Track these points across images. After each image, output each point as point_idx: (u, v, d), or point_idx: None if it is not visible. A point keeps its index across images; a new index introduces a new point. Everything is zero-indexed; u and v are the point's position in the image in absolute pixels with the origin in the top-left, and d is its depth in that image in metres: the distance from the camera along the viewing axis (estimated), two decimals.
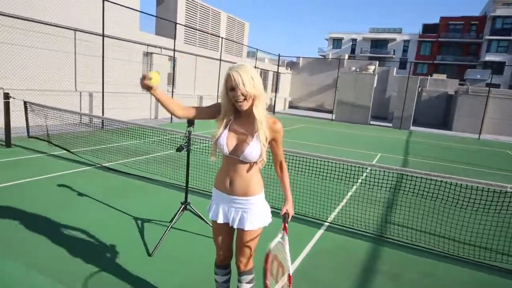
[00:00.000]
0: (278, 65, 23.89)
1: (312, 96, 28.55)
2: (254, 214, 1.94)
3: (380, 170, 4.13)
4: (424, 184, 3.96)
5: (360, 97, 20.40)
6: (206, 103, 16.03)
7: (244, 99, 1.79)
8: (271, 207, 2.11)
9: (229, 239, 2.09)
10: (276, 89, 24.11)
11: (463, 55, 41.14)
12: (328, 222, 4.31)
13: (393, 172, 3.88)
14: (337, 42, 47.88)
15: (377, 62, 24.82)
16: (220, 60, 16.20)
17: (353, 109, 20.58)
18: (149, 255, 3.19)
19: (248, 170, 1.89)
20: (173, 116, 13.13)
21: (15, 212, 3.86)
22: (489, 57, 37.79)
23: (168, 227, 3.42)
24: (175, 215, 3.48)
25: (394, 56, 43.76)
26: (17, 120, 7.52)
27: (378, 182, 4.23)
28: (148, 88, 1.79)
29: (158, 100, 1.86)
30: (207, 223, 3.54)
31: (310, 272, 3.11)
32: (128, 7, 10.71)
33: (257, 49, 20.41)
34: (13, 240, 3.22)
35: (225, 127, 1.90)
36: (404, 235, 3.99)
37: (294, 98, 28.97)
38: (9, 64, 8.63)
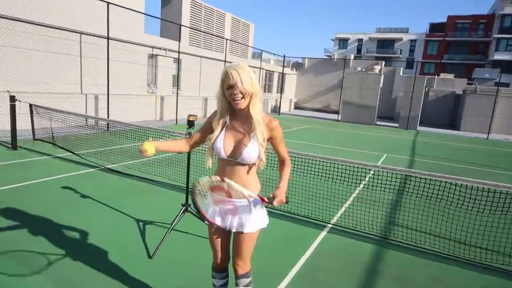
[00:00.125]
0: (283, 66, 23.84)
1: (317, 97, 28.44)
2: (253, 216, 1.91)
3: (383, 171, 4.08)
4: (428, 185, 3.89)
5: (366, 97, 20.25)
6: (211, 104, 16.05)
7: (242, 98, 1.77)
8: (266, 208, 2.06)
9: (226, 243, 2.06)
10: (281, 90, 24.05)
11: (471, 54, 40.63)
12: (331, 224, 4.26)
13: (396, 173, 3.81)
14: (343, 43, 47.67)
15: (383, 62, 24.64)
16: (225, 61, 16.22)
17: (359, 110, 20.44)
18: (150, 257, 3.17)
19: (245, 172, 1.86)
20: (178, 118, 13.20)
21: (20, 213, 3.88)
22: (498, 56, 37.28)
23: (169, 229, 3.40)
24: (176, 217, 3.47)
25: (400, 56, 43.41)
26: (23, 123, 7.60)
27: (382, 183, 4.17)
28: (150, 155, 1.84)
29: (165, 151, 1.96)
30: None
31: (312, 274, 3.07)
32: (132, 10, 10.78)
33: (262, 50, 20.39)
34: (16, 242, 3.23)
35: (221, 130, 1.87)
36: (410, 237, 3.92)
37: (299, 99, 28.88)
38: (16, 67, 8.73)
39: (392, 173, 3.99)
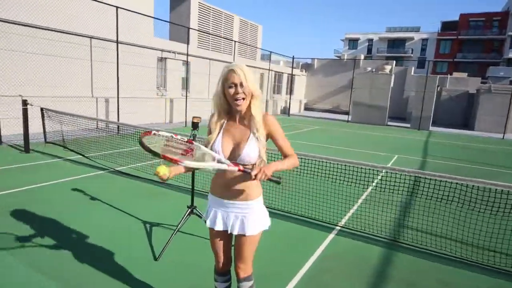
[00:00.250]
0: (292, 67, 23.76)
1: (327, 98, 28.24)
2: (254, 218, 1.89)
3: (393, 172, 4.00)
4: (438, 186, 3.79)
5: (376, 97, 20.01)
6: None
7: (243, 98, 1.76)
8: (266, 207, 2.03)
9: (228, 246, 2.04)
10: (290, 91, 23.98)
11: (485, 53, 39.77)
12: (339, 226, 4.20)
13: (405, 174, 3.73)
14: (353, 43, 47.28)
15: (394, 62, 24.31)
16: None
17: (370, 110, 20.21)
18: (156, 259, 3.17)
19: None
20: (187, 120, 13.27)
21: (30, 214, 3.94)
22: None
23: (174, 231, 3.40)
24: (181, 219, 3.47)
25: (412, 55, 42.81)
26: (36, 126, 7.74)
27: (392, 185, 4.09)
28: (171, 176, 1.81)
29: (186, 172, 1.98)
30: None
31: (319, 277, 3.02)
32: (141, 14, 10.90)
33: (270, 52, 20.37)
34: (25, 242, 3.27)
35: (219, 132, 1.85)
36: (420, 240, 3.83)
37: (309, 100, 28.74)
38: (29, 72, 8.92)
39: (401, 174, 3.90)
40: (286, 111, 23.56)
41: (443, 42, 41.97)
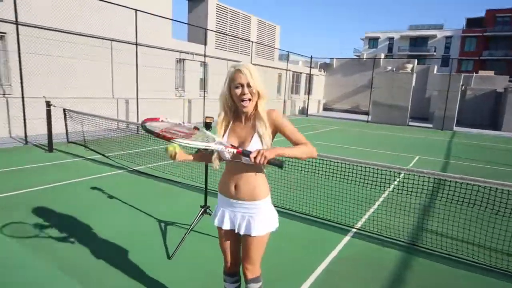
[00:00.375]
0: (311, 67, 23.56)
1: (347, 98, 27.83)
2: (261, 219, 1.86)
3: (412, 174, 3.87)
4: (459, 188, 3.64)
5: (397, 97, 19.54)
6: None
7: (249, 99, 1.75)
8: (274, 206, 2.00)
9: (236, 246, 2.02)
10: (309, 92, 23.77)
11: None
12: (355, 228, 4.11)
13: (424, 176, 3.60)
14: (373, 42, 46.40)
15: (416, 60, 23.66)
16: (251, 64, 16.29)
17: (390, 110, 19.75)
18: (169, 258, 3.20)
19: (253, 173, 1.82)
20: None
21: (51, 212, 4.07)
22: None
23: (188, 230, 3.43)
24: (195, 219, 3.49)
25: (435, 53, 41.56)
26: (59, 126, 8.01)
27: (412, 187, 3.95)
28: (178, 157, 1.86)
29: (195, 161, 2.02)
30: None
31: (331, 281, 2.96)
32: (160, 16, 11.08)
33: (288, 52, 20.27)
34: (45, 238, 3.38)
35: (225, 132, 1.86)
36: (439, 244, 3.69)
37: (328, 100, 28.41)
38: (52, 74, 9.23)
39: (419, 176, 3.78)
40: (304, 111, 23.39)
41: (468, 39, 40.53)
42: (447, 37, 41.71)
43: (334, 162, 4.44)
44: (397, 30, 45.18)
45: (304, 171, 4.67)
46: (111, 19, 10.46)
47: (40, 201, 4.40)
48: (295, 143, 1.80)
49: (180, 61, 13.81)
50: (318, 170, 4.52)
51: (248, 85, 1.73)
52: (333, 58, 28.18)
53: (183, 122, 1.88)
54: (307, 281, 2.93)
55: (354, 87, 27.21)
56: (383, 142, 12.57)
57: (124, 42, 10.84)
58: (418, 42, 43.35)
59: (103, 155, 7.04)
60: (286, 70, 20.77)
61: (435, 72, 24.53)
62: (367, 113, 21.50)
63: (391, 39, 45.20)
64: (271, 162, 1.61)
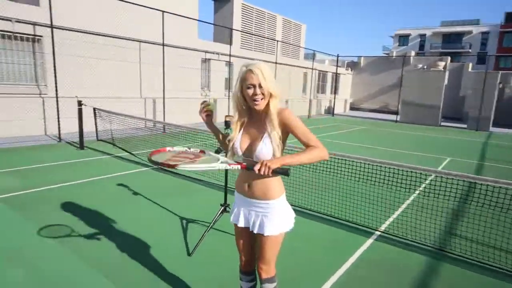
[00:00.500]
0: (337, 66, 23.15)
1: (375, 97, 27.12)
2: (274, 218, 1.84)
3: (442, 176, 3.69)
4: (491, 192, 3.43)
5: (428, 96, 18.79)
6: None
7: (262, 98, 1.73)
8: (295, 205, 1.97)
9: (251, 244, 2.01)
10: (335, 91, 23.37)
11: None
12: (379, 231, 3.98)
13: (453, 178, 3.43)
14: (403, 39, 44.94)
15: (449, 58, 22.67)
16: (276, 63, 16.23)
17: (421, 110, 19.03)
18: (189, 254, 3.24)
19: None
20: None
21: (78, 207, 4.24)
22: None
23: (207, 228, 3.45)
24: (214, 217, 3.51)
25: (470, 50, 39.63)
26: (90, 125, 8.34)
27: (441, 190, 3.76)
28: (206, 116, 1.94)
29: (213, 132, 2.08)
30: None
31: (352, 284, 2.88)
32: (186, 17, 11.27)
33: (314, 51, 20.03)
34: (72, 232, 3.52)
35: (239, 131, 1.86)
36: (469, 250, 3.50)
37: (355, 100, 27.82)
38: (84, 75, 9.63)
39: (448, 178, 3.59)
40: (330, 111, 23.02)
41: (508, 34, 38.27)
42: (484, 33, 39.64)
43: (357, 162, 4.32)
44: (429, 27, 43.50)
45: (326, 171, 4.59)
46: (139, 21, 10.76)
47: (69, 196, 4.59)
48: (305, 145, 1.76)
49: (206, 61, 13.99)
50: (341, 170, 4.42)
51: (260, 86, 1.71)
52: (360, 56, 27.55)
53: (189, 148, 1.94)
54: (326, 283, 2.87)
55: (383, 86, 26.46)
56: (413, 142, 12.13)
57: (151, 43, 11.12)
58: (451, 39, 41.49)
59: (130, 153, 7.26)
60: (312, 69, 20.53)
61: (470, 69, 23.38)
62: (396, 113, 20.83)
63: (422, 36, 43.58)
64: (276, 171, 1.61)
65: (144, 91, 11.47)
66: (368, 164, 4.10)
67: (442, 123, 19.34)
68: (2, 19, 7.98)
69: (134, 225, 3.80)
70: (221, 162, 1.71)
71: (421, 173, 3.75)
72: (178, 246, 3.40)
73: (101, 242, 3.38)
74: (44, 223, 3.72)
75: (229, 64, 14.24)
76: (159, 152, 1.85)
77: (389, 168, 4.04)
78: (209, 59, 14.00)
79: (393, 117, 21.13)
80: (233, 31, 15.14)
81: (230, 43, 13.17)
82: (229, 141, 1.87)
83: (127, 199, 4.68)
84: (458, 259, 3.39)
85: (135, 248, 3.29)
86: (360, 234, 3.88)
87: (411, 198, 5.07)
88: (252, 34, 16.85)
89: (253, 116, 1.85)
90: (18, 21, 8.25)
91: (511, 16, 39.04)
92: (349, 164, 4.44)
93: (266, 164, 1.58)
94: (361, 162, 4.17)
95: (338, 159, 4.39)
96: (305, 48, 21.28)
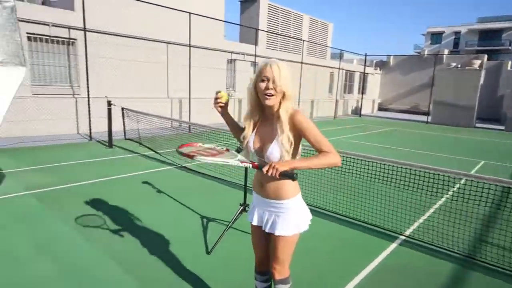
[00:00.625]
0: (365, 65, 22.61)
1: (405, 97, 26.23)
2: (287, 219, 1.82)
3: (472, 180, 3.50)
4: None
5: (462, 96, 17.93)
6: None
7: (273, 95, 1.70)
8: (318, 207, 1.94)
9: (264, 243, 2.00)
10: (362, 91, 22.84)
11: None
12: (404, 235, 3.84)
13: (484, 182, 3.24)
14: (436, 37, 43.16)
15: (486, 56, 21.52)
16: (302, 63, 16.10)
17: (454, 110, 18.19)
18: (208, 253, 3.27)
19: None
20: None
21: (104, 203, 4.40)
22: None
23: (227, 227, 3.47)
24: (234, 216, 3.52)
25: (510, 47, 37.44)
26: (119, 124, 8.64)
27: (473, 194, 3.56)
28: (221, 108, 1.92)
29: (226, 122, 2.03)
30: None
31: None
32: (213, 18, 11.41)
33: (341, 50, 19.68)
34: (97, 227, 3.65)
35: (252, 130, 1.85)
36: (501, 259, 3.30)
37: (384, 100, 27.04)
38: (114, 75, 9.99)
39: (479, 182, 3.40)
40: (357, 111, 22.53)
41: None
42: None
43: (380, 163, 4.19)
44: (464, 24, 41.53)
45: (350, 173, 4.48)
46: (167, 22, 11.01)
47: (97, 193, 4.77)
48: (318, 150, 1.71)
49: (231, 61, 14.10)
50: (365, 172, 4.30)
51: (274, 81, 1.69)
52: (390, 55, 26.74)
53: (217, 146, 1.95)
54: (346, 286, 2.80)
55: (413, 86, 25.56)
56: (444, 144, 11.62)
57: (178, 45, 11.35)
58: (489, 36, 39.35)
59: (155, 151, 7.45)
60: (339, 68, 20.18)
61: (509, 68, 22.10)
62: (427, 114, 20.04)
63: (457, 33, 41.66)
64: (283, 174, 1.60)
65: (171, 91, 11.72)
66: (392, 165, 3.96)
67: (477, 125, 18.40)
68: (40, 23, 8.43)
69: (156, 222, 3.88)
70: (237, 158, 1.74)
71: (448, 176, 3.57)
72: (198, 244, 3.44)
73: (124, 238, 3.48)
74: (71, 218, 3.89)
75: (254, 64, 14.27)
76: (190, 146, 1.90)
77: (415, 170, 3.88)
78: (235, 60, 14.10)
79: (423, 118, 20.35)
80: (259, 31, 15.17)
81: (256, 43, 13.21)
82: (243, 138, 1.86)
83: (151, 197, 4.80)
84: (488, 268, 3.21)
85: (156, 245, 3.37)
86: (384, 238, 3.76)
87: (440, 202, 4.85)
88: (278, 34, 16.80)
89: (266, 116, 1.84)
90: (55, 25, 8.69)
91: None
92: (373, 166, 4.31)
93: (274, 167, 1.57)
94: (384, 164, 4.04)
95: (361, 160, 4.27)
96: (332, 48, 20.95)
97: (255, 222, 1.94)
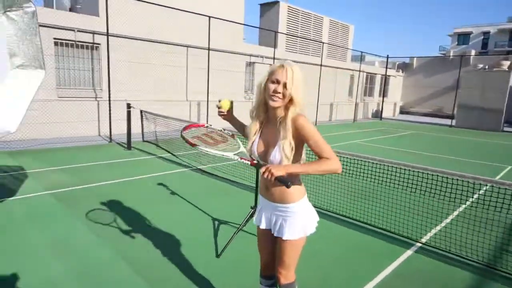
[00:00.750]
0: (387, 67, 22.14)
1: (428, 100, 25.48)
2: (294, 222, 1.79)
3: (493, 186, 3.34)
4: None
5: (489, 99, 17.21)
6: (307, 109, 15.90)
7: (280, 98, 1.68)
8: (332, 212, 1.92)
9: (271, 247, 1.97)
10: (383, 94, 22.35)
11: None
12: (420, 242, 3.71)
13: (506, 188, 3.08)
14: (463, 38, 41.73)
15: None
16: (321, 65, 15.96)
17: (480, 113, 17.49)
18: (217, 256, 3.27)
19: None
20: None
21: (120, 204, 4.50)
22: None
23: (237, 230, 3.46)
24: (244, 219, 3.51)
25: None
26: (138, 126, 8.84)
27: (491, 201, 3.39)
28: (223, 115, 2.01)
29: (234, 126, 2.11)
30: None
31: None
32: (232, 21, 11.51)
33: (362, 52, 19.36)
34: (110, 227, 3.74)
35: (257, 133, 1.85)
36: None
37: (406, 103, 26.37)
38: (134, 78, 10.24)
39: (500, 188, 3.24)
40: (378, 114, 22.07)
41: None
42: None
43: (396, 168, 4.08)
44: (493, 23, 39.95)
45: (365, 177, 4.38)
46: (186, 26, 11.19)
47: (113, 193, 4.88)
48: (318, 156, 1.68)
49: (250, 64, 14.16)
50: (381, 176, 4.20)
51: (285, 85, 1.67)
52: (413, 57, 26.06)
53: (224, 129, 2.00)
54: None
55: (437, 89, 24.79)
56: (468, 149, 11.19)
57: (198, 48, 11.51)
58: None
59: (172, 153, 7.56)
60: (359, 71, 19.85)
61: None
62: (451, 117, 19.38)
63: (486, 33, 40.13)
64: (278, 180, 1.59)
65: (189, 94, 11.89)
66: (410, 170, 3.84)
67: (505, 129, 17.61)
68: (66, 29, 8.77)
69: (168, 224, 3.93)
70: (238, 153, 1.78)
71: (468, 182, 3.43)
72: (208, 246, 3.45)
73: (136, 239, 3.53)
74: (88, 218, 3.99)
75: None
76: (197, 126, 1.97)
77: (432, 175, 3.74)
78: (254, 63, 14.15)
79: (447, 121, 19.68)
80: (278, 34, 15.16)
81: (275, 46, 13.21)
82: (247, 135, 1.88)
83: (165, 198, 4.86)
84: (509, 278, 3.04)
85: (167, 247, 3.40)
86: (399, 245, 3.65)
87: (460, 209, 4.66)
88: (297, 37, 16.73)
89: (270, 118, 1.82)
90: (80, 30, 9.02)
91: None
92: (390, 171, 4.20)
93: (270, 170, 1.57)
94: (400, 168, 3.93)
95: (376, 164, 4.17)
96: (352, 50, 20.66)
97: (263, 226, 1.92)
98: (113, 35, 9.11)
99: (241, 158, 1.73)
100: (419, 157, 9.00)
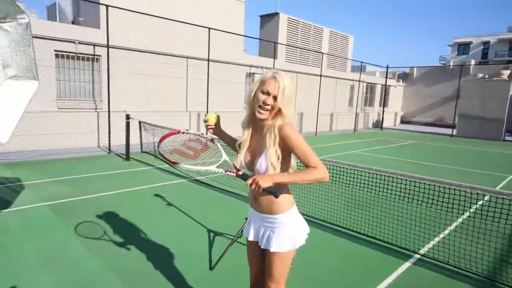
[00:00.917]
0: (386, 77, 22.22)
1: (429, 110, 25.48)
2: (282, 234, 1.76)
3: (491, 195, 3.29)
4: None
5: (489, 108, 17.19)
6: (307, 119, 15.95)
7: (268, 110, 1.68)
8: (328, 222, 1.88)
9: (259, 259, 1.94)
10: (384, 103, 22.38)
11: None
12: (419, 254, 3.65)
13: (504, 198, 3.04)
14: (463, 48, 41.97)
15: None
16: (321, 75, 16.04)
17: (481, 123, 17.45)
18: (211, 268, 3.22)
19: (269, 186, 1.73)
20: None
21: (115, 215, 4.46)
22: None
23: (231, 242, 3.42)
24: (239, 231, 3.47)
25: None
26: (137, 137, 8.85)
27: (489, 211, 3.35)
28: (211, 129, 1.94)
29: (223, 140, 2.05)
30: None
31: None
32: (232, 33, 11.63)
33: (361, 62, 19.48)
34: (103, 239, 3.70)
35: (246, 144, 1.83)
36: None
37: (406, 113, 26.37)
38: (133, 90, 10.31)
39: (498, 198, 3.20)
40: (378, 124, 22.06)
41: None
42: None
43: (394, 177, 4.04)
44: (493, 33, 40.20)
45: (362, 187, 4.34)
46: (186, 37, 11.31)
47: (111, 205, 4.85)
48: (305, 165, 1.66)
49: (250, 75, 14.24)
50: (378, 186, 4.16)
51: (275, 98, 1.67)
52: (413, 67, 26.17)
53: (202, 134, 1.94)
54: None
55: (438, 98, 24.81)
56: (469, 158, 11.12)
57: (198, 59, 11.60)
58: None
59: (170, 165, 7.52)
60: (359, 81, 19.93)
61: None
62: (452, 127, 19.33)
63: (486, 43, 40.37)
64: (266, 190, 1.57)
65: (189, 105, 11.94)
66: (407, 180, 3.81)
67: (507, 138, 17.53)
68: (67, 41, 8.88)
69: (163, 235, 3.89)
70: (221, 162, 1.75)
71: (465, 191, 3.38)
72: (202, 259, 3.41)
73: (130, 251, 3.49)
74: (82, 229, 3.96)
75: None
76: (172, 135, 1.84)
77: (429, 184, 3.70)
78: (254, 73, 14.24)
79: (448, 131, 19.63)
80: (278, 45, 15.29)
81: (274, 57, 13.31)
82: (239, 145, 1.84)
83: (162, 209, 4.83)
84: None
85: (160, 259, 3.35)
86: (397, 257, 3.59)
87: (459, 220, 4.60)
88: (297, 48, 16.87)
89: (257, 129, 1.81)
90: (81, 42, 9.12)
91: None
92: (387, 181, 4.16)
93: (256, 182, 1.54)
94: (397, 178, 3.90)
95: (373, 174, 4.14)
96: (352, 60, 20.78)
97: (251, 238, 1.89)
98: (113, 47, 9.21)
99: (225, 171, 1.71)
100: (419, 167, 8.95)
